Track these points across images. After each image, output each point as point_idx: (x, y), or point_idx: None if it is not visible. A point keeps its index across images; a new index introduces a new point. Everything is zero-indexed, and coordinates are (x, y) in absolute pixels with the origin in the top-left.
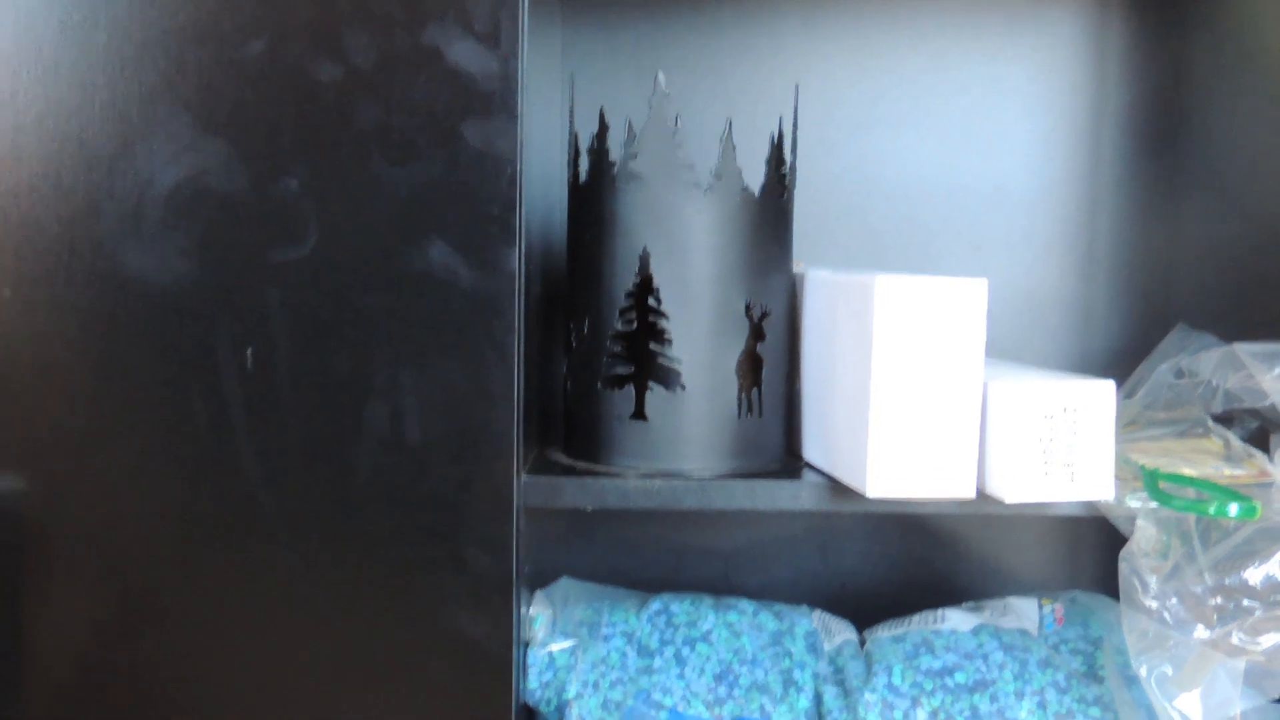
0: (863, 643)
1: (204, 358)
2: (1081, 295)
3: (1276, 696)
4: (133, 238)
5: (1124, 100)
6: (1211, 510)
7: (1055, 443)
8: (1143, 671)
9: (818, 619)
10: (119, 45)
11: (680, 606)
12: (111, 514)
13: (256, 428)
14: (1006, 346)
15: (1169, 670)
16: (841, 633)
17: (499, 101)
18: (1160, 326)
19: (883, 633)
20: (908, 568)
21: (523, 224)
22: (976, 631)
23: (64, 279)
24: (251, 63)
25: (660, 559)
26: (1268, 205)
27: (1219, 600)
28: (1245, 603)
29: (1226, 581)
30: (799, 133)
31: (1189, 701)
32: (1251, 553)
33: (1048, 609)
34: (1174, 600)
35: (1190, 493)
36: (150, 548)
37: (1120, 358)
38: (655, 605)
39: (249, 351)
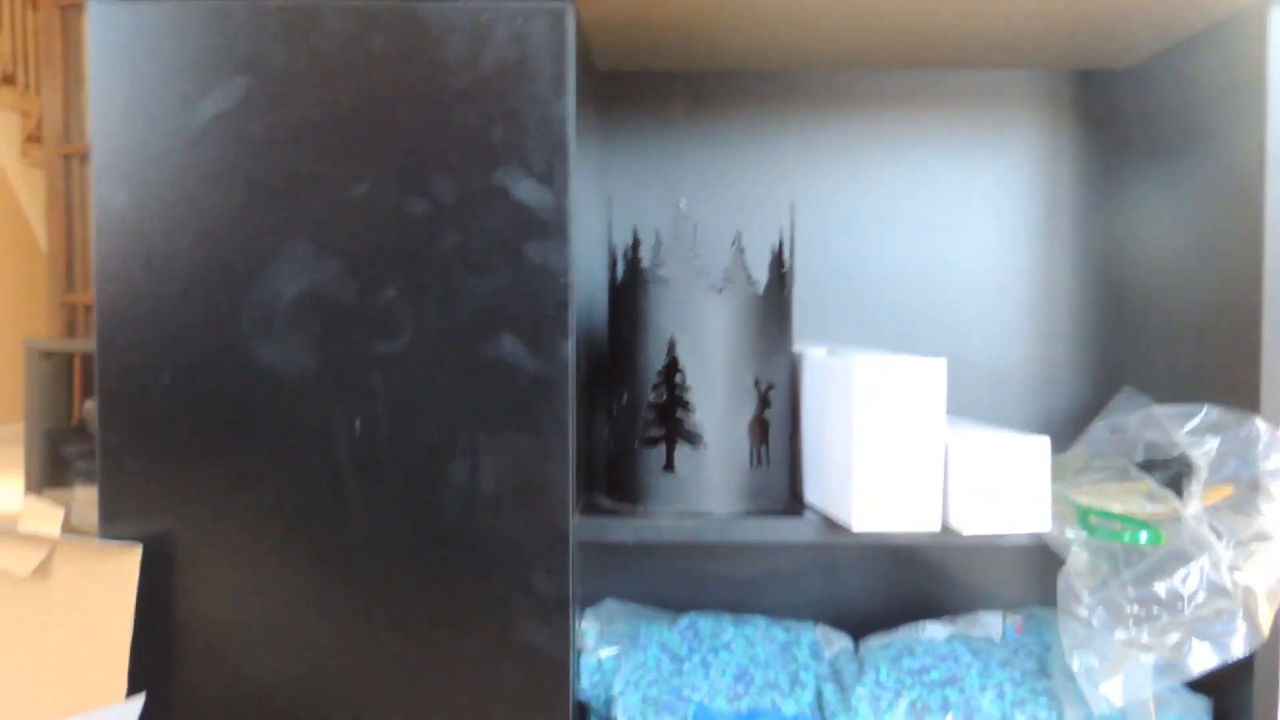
0: (857, 650)
1: (321, 429)
2: (1045, 364)
3: (1180, 682)
4: (264, 336)
5: (1074, 195)
6: (1126, 538)
7: (1002, 486)
8: (1075, 665)
9: (820, 632)
10: (255, 191)
11: (705, 622)
12: (246, 551)
13: (363, 482)
14: (980, 410)
15: (1095, 663)
16: (839, 642)
17: (554, 227)
18: (1115, 388)
19: (873, 641)
20: (896, 592)
21: (573, 321)
22: (950, 639)
23: (210, 369)
24: (358, 201)
25: (687, 587)
26: (1200, 281)
27: (1136, 608)
28: (1155, 610)
29: (1142, 593)
30: (799, 233)
31: (1112, 687)
32: (1161, 571)
33: (1009, 621)
34: (1100, 609)
35: (1115, 525)
36: (275, 578)
37: (1081, 415)
38: (684, 621)
39: (357, 423)
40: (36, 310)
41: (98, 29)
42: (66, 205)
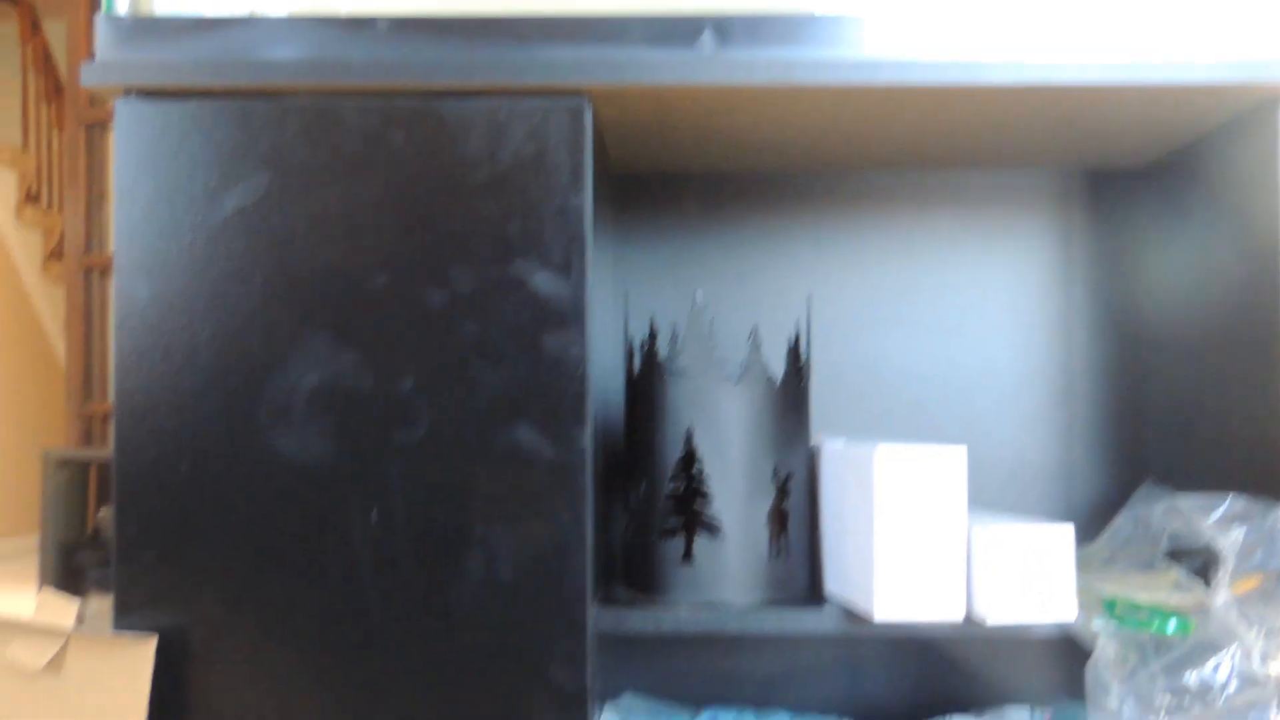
0: None
1: (338, 517)
2: (1064, 460)
3: None
4: (283, 426)
5: (1088, 291)
6: (1154, 627)
7: (1026, 575)
8: None
9: None
10: (274, 283)
11: (727, 717)
12: (261, 643)
13: (379, 571)
14: (1001, 505)
15: None
16: None
17: (571, 318)
18: (1135, 481)
19: None
20: (921, 687)
21: (590, 410)
22: None
23: (229, 458)
24: (377, 292)
25: (708, 683)
26: (1220, 372)
27: (1167, 698)
28: (1186, 700)
29: (1172, 683)
30: (814, 329)
31: None
32: (1191, 661)
33: (1038, 714)
34: (1130, 699)
35: (1142, 614)
36: (291, 671)
37: (1102, 510)
38: (705, 716)
39: (374, 512)
40: (55, 423)
41: (125, 127)
42: (86, 317)
